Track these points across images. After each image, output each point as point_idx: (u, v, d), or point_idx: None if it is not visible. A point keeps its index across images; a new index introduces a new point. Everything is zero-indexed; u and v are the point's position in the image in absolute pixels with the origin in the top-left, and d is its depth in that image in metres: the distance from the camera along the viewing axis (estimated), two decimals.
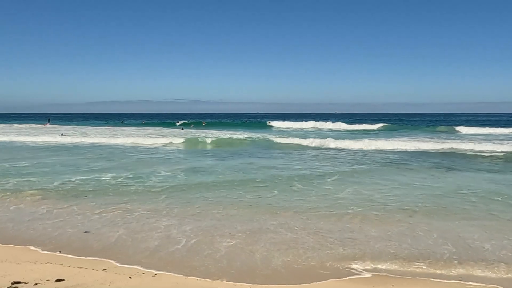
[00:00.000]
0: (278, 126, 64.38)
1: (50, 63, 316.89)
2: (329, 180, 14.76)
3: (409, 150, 25.63)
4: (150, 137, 34.45)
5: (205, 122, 69.95)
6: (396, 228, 8.91)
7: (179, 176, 15.59)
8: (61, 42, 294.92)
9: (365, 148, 26.51)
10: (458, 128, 50.27)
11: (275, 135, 37.79)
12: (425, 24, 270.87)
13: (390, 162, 19.95)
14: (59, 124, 67.18)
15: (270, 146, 29.57)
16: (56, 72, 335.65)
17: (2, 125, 62.92)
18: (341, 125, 61.56)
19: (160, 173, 16.34)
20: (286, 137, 34.37)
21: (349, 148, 26.80)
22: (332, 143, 28.18)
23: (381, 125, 58.81)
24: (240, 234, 8.53)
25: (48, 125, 60.73)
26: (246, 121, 73.05)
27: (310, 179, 14.89)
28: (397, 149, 26.11)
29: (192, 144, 31.01)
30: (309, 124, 64.19)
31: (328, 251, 7.58)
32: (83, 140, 33.99)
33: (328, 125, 62.90)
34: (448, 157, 22.05)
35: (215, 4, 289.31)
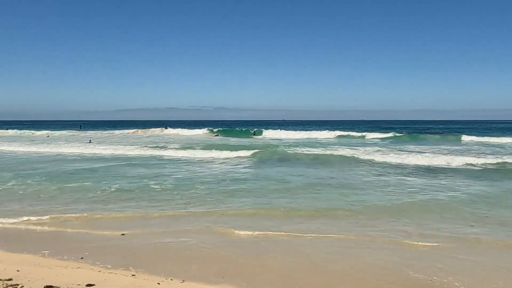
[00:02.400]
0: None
1: (80, 71, 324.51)
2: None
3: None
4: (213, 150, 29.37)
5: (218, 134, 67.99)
6: None
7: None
8: (90, 51, 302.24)
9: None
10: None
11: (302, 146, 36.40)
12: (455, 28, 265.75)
13: None
14: (90, 130, 68.74)
15: (330, 160, 24.06)
16: (86, 80, 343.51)
17: (44, 132, 64.87)
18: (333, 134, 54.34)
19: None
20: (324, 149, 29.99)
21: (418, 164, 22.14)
22: (376, 157, 24.47)
23: (390, 134, 52.05)
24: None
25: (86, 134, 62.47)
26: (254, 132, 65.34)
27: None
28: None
29: (270, 156, 26.26)
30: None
31: None
32: (145, 152, 29.89)
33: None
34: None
35: (238, 11, 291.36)
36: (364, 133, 53.01)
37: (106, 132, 68.34)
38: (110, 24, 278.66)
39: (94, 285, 6.03)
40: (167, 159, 25.15)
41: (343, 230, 9.55)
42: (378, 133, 52.54)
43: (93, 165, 21.87)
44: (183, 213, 11.27)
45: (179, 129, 65.89)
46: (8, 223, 10.11)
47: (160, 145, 35.08)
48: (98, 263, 7.22)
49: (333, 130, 58.31)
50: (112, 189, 14.65)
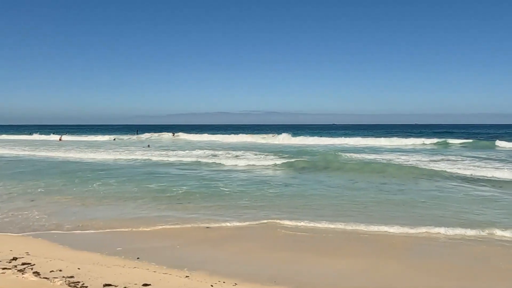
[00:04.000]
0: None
1: (134, 76, 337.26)
2: None
3: None
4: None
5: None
6: None
7: None
8: (146, 56, 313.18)
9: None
10: None
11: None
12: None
13: None
14: (146, 133, 70.76)
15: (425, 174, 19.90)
16: (141, 85, 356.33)
17: (106, 137, 67.51)
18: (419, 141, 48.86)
19: None
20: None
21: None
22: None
23: (435, 140, 47.10)
24: None
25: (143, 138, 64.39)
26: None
27: None
28: None
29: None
30: (381, 141, 51.29)
31: None
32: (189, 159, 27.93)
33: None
34: None
35: (290, 16, 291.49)
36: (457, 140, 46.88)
37: (156, 134, 70.21)
38: (162, 30, 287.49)
39: (150, 285, 6.16)
40: (220, 167, 25.42)
41: None
42: (456, 139, 47.56)
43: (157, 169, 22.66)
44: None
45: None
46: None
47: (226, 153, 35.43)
48: (154, 263, 7.39)
49: (407, 137, 51.88)
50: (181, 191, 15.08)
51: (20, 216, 11.26)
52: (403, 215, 11.41)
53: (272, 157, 28.54)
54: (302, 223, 10.43)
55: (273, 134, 61.00)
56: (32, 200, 13.44)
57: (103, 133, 78.25)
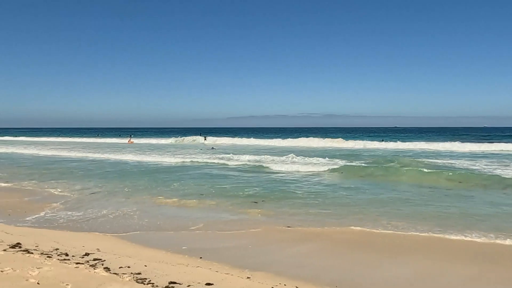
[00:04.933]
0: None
1: (196, 79, 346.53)
2: None
3: None
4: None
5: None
6: None
7: None
8: (208, 61, 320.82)
9: None
10: None
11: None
12: None
13: None
14: (209, 136, 71.73)
15: None
16: (203, 88, 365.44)
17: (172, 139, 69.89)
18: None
19: None
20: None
21: None
22: None
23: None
24: None
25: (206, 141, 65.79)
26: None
27: None
28: None
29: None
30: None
31: None
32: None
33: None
34: None
35: (350, 18, 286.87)
36: None
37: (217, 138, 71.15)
38: (227, 34, 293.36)
39: (212, 284, 6.27)
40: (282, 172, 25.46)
41: None
42: None
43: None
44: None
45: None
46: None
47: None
48: (216, 263, 7.53)
49: (481, 142, 46.98)
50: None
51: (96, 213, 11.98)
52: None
53: (337, 160, 28.38)
54: (377, 230, 10.32)
55: (337, 138, 60.40)
56: (127, 198, 14.58)
57: (167, 135, 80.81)
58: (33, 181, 19.04)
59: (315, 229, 10.47)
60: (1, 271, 5.83)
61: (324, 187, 17.35)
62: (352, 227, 10.54)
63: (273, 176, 21.25)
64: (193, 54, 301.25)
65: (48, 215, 12.02)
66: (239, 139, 66.88)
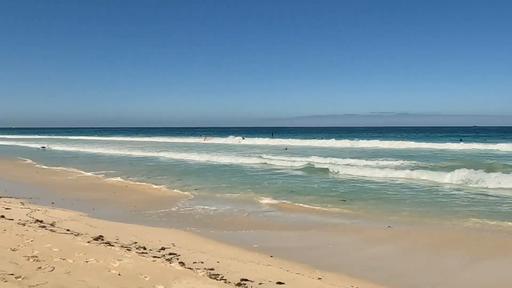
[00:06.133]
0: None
1: (266, 77, 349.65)
2: None
3: None
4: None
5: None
6: None
7: None
8: (279, 62, 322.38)
9: None
10: None
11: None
12: None
13: None
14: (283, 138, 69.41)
15: None
16: (271, 88, 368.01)
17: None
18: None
19: None
20: None
21: None
22: None
23: None
24: None
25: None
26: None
27: None
28: None
29: None
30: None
31: None
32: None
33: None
34: None
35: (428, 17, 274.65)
36: None
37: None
38: (300, 34, 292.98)
39: (283, 283, 6.26)
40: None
41: None
42: None
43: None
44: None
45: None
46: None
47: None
48: (287, 262, 7.52)
49: None
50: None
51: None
52: None
53: (415, 162, 27.27)
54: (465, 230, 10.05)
55: (404, 139, 58.24)
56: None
57: (234, 134, 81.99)
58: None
59: (399, 230, 10.29)
60: (86, 261, 6.23)
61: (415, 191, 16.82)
62: (434, 227, 10.27)
63: (355, 177, 21.06)
64: (262, 53, 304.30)
65: (180, 209, 12.98)
66: (310, 140, 64.12)
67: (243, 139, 68.60)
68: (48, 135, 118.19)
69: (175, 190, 16.80)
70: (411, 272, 7.26)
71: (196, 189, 17.01)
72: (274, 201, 14.43)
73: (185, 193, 16.12)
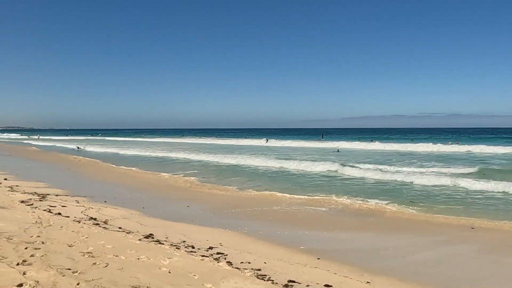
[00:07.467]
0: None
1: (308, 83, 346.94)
2: None
3: None
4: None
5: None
6: None
7: None
8: (322, 64, 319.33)
9: None
10: None
11: None
12: None
13: None
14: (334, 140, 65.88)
15: None
16: (318, 88, 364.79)
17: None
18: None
19: None
20: None
21: None
22: None
23: None
24: None
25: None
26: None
27: None
28: None
29: None
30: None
31: None
32: None
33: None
34: None
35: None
36: None
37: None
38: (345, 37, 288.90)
39: (331, 286, 6.17)
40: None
41: None
42: None
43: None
44: None
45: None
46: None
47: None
48: (334, 265, 7.42)
49: None
50: None
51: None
52: None
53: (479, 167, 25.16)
54: None
55: (456, 142, 56.07)
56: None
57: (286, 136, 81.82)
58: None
59: (459, 234, 10.01)
60: (138, 259, 6.42)
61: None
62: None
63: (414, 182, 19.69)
64: (306, 57, 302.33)
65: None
66: (363, 143, 57.90)
67: (267, 141, 69.74)
68: (97, 135, 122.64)
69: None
70: (469, 280, 6.95)
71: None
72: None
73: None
